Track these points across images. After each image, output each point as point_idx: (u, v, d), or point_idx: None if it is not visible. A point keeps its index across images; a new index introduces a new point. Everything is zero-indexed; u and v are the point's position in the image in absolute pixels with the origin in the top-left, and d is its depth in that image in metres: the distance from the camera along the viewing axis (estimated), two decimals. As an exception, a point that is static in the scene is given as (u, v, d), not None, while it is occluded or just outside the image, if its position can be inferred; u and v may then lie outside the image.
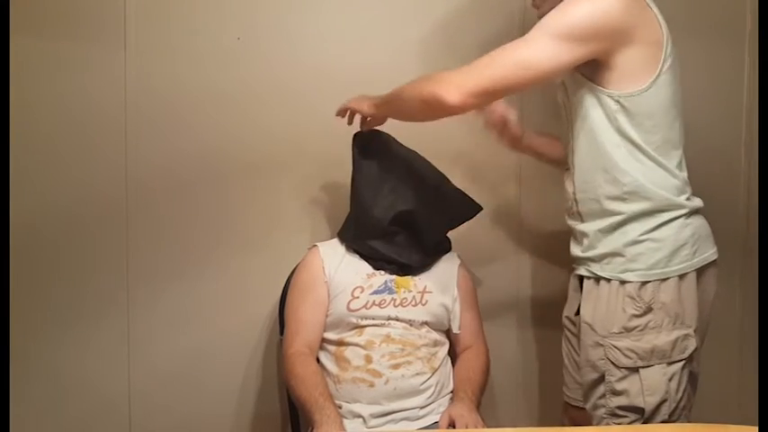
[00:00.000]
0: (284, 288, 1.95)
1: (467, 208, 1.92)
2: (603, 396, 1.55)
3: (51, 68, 1.90)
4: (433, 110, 1.54)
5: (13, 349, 1.74)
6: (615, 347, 1.52)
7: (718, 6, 2.12)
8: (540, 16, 1.63)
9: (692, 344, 1.52)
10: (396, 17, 2.03)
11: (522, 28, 2.00)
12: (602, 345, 1.54)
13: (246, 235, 2.00)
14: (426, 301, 1.82)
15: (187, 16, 1.95)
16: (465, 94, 1.48)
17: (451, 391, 1.80)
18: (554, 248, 1.92)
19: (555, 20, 1.47)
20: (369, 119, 1.82)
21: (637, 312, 1.51)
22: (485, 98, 1.53)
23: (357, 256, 1.86)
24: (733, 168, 2.14)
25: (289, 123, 2.00)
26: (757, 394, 1.47)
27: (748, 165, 2.14)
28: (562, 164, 1.71)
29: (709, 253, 1.57)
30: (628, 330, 1.51)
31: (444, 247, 1.93)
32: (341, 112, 1.85)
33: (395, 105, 1.67)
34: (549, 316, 2.13)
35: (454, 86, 1.48)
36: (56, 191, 1.92)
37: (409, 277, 1.84)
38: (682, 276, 1.52)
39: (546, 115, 2.04)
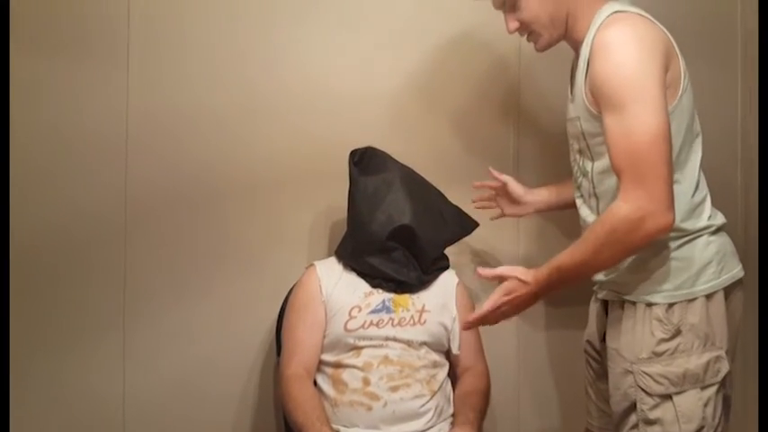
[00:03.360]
0: (282, 308, 1.92)
1: (464, 224, 1.92)
2: (636, 426, 1.49)
3: (52, 88, 1.89)
4: (650, 241, 1.43)
5: (11, 366, 1.72)
6: (645, 374, 1.47)
7: (711, 26, 2.16)
8: (540, 50, 1.62)
9: (724, 366, 1.48)
10: (391, 37, 2.04)
11: (520, 48, 2.02)
12: (631, 371, 1.49)
13: (244, 254, 1.99)
14: (425, 321, 1.80)
15: (188, 38, 1.95)
16: (668, 205, 1.38)
17: (452, 415, 1.77)
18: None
19: (623, 74, 1.40)
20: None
21: (665, 336, 1.46)
22: (672, 188, 1.41)
23: (354, 273, 1.83)
24: (730, 185, 2.16)
25: (287, 143, 2.00)
26: (757, 395, 1.45)
27: (745, 182, 2.17)
28: (571, 206, 1.69)
29: (736, 270, 1.54)
30: (657, 355, 1.46)
31: (442, 265, 1.91)
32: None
33: (583, 272, 1.50)
34: (551, 334, 2.13)
35: (661, 214, 1.37)
36: (55, 209, 1.90)
37: (407, 296, 1.82)
38: (709, 296, 1.48)
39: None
